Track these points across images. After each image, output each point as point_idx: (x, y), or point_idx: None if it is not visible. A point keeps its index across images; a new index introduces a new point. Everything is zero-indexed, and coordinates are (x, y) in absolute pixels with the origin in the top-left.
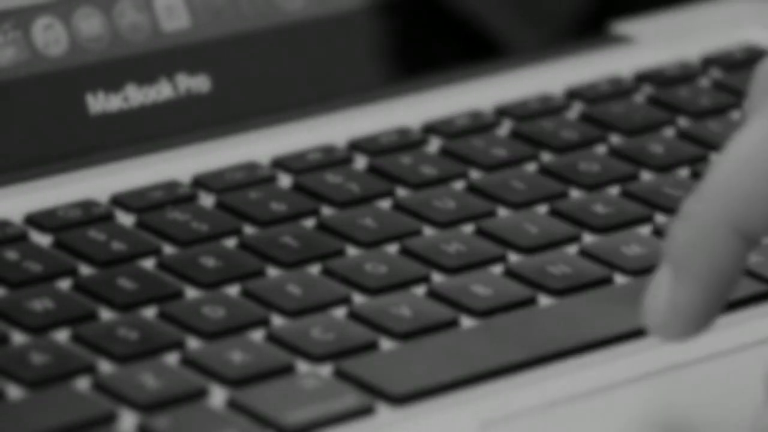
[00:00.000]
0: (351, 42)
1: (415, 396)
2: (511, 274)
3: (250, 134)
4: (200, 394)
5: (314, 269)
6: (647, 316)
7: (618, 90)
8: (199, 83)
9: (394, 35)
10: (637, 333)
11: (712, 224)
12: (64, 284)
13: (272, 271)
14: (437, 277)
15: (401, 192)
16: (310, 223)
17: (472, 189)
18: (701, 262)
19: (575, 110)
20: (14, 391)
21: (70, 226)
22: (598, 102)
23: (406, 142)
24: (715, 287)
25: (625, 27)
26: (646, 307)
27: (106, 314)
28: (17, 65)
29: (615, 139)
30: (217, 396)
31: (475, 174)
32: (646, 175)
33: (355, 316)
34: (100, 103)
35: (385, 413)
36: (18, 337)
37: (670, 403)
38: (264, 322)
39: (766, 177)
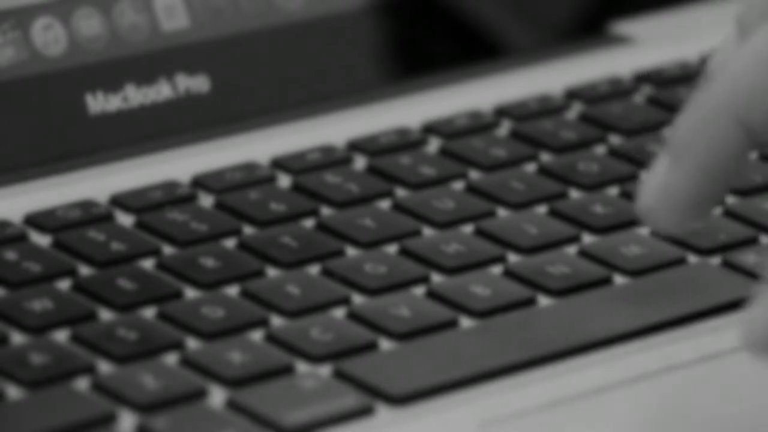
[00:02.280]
0: (351, 42)
1: (414, 396)
2: (510, 274)
3: (250, 134)
4: (199, 394)
5: (313, 269)
6: (640, 200)
7: (617, 90)
8: (198, 83)
9: (393, 35)
10: (636, 333)
11: (715, 113)
12: (64, 284)
13: (272, 272)
14: (437, 278)
15: (400, 192)
16: (309, 223)
17: (472, 189)
18: (699, 147)
19: (574, 110)
20: (14, 392)
21: (69, 226)
22: (598, 102)
23: (406, 142)
24: (710, 175)
25: (625, 27)
26: (640, 192)
27: (105, 314)
28: (17, 65)
29: (614, 139)
30: (217, 396)
31: (474, 174)
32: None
33: (354, 316)
34: (99, 103)
35: (384, 413)
36: (17, 338)
37: (670, 403)
38: (263, 323)
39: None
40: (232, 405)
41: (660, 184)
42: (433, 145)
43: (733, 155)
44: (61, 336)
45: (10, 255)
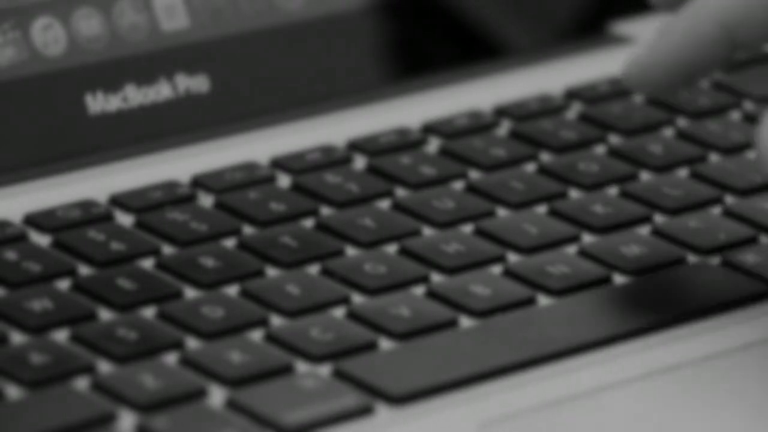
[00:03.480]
0: (351, 42)
1: (414, 396)
2: (510, 274)
3: (250, 134)
4: (199, 394)
5: (313, 269)
6: (624, 67)
7: (617, 90)
8: (198, 83)
9: (393, 35)
10: (636, 333)
11: (701, 16)
12: (64, 284)
13: (271, 271)
14: (436, 278)
15: (400, 192)
16: (309, 223)
17: (472, 189)
18: (679, 39)
19: (574, 110)
20: (14, 391)
21: (69, 226)
22: (598, 102)
23: (406, 142)
24: (682, 64)
25: (625, 27)
26: (628, 57)
27: (105, 314)
28: (16, 65)
29: (614, 139)
30: (216, 396)
31: (474, 174)
32: (645, 175)
33: (354, 316)
34: (99, 103)
35: (384, 413)
36: (17, 337)
37: (670, 403)
38: (263, 322)
39: None
40: (232, 405)
41: (640, 57)
42: (433, 145)
43: (711, 50)
44: (61, 336)
45: (10, 255)
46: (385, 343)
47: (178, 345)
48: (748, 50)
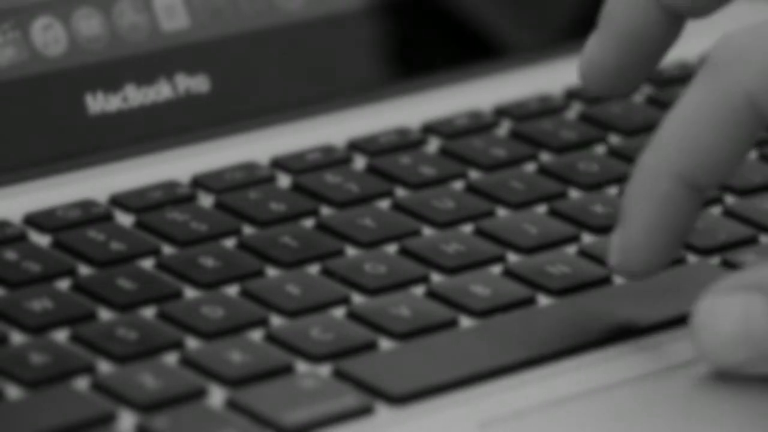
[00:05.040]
0: (351, 42)
1: (414, 396)
2: (510, 274)
3: (250, 134)
4: (199, 394)
5: (313, 269)
6: (608, 255)
7: None
8: (198, 83)
9: (393, 35)
10: (635, 333)
11: (658, 174)
12: (63, 284)
13: (271, 271)
14: (436, 277)
15: (400, 192)
16: (309, 223)
17: (471, 189)
18: (647, 208)
19: (574, 110)
20: (14, 391)
21: (69, 226)
22: (598, 102)
23: (406, 142)
24: (661, 235)
25: None
26: (608, 248)
27: (105, 314)
28: (16, 65)
29: (614, 139)
30: (217, 396)
31: (474, 174)
32: None
33: (354, 316)
34: (99, 103)
35: (384, 413)
36: (17, 337)
37: (671, 403)
38: (263, 322)
39: (712, 130)
40: (232, 405)
41: (617, 246)
42: (433, 145)
43: (680, 212)
44: (61, 336)
45: (10, 255)
46: (385, 343)
47: (178, 345)
48: (714, 189)
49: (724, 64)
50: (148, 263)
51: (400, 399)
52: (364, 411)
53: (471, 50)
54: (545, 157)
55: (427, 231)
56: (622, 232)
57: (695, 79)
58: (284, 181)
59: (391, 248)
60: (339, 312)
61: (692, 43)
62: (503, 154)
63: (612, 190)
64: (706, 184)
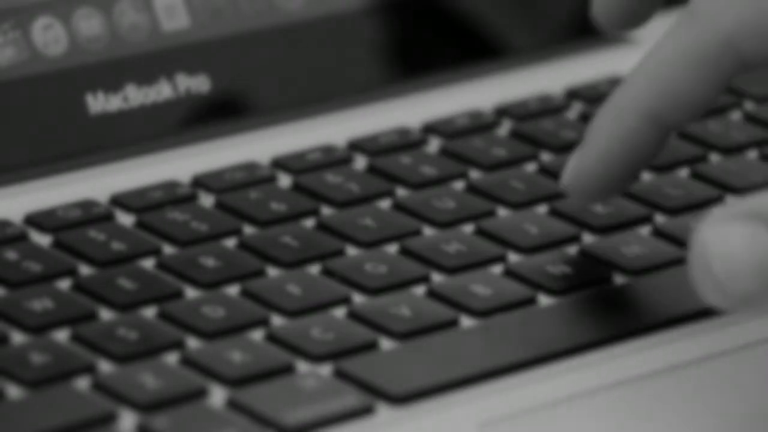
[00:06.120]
0: (351, 42)
1: (414, 396)
2: (510, 274)
3: (250, 134)
4: (200, 393)
5: (314, 269)
6: (562, 175)
7: None
8: (198, 83)
9: (394, 35)
10: (635, 333)
11: (626, 109)
12: (64, 284)
13: (272, 271)
14: (437, 277)
15: (401, 192)
16: (309, 223)
17: (472, 189)
18: (610, 140)
19: (575, 110)
20: (14, 391)
21: (69, 226)
22: (598, 102)
23: (406, 142)
24: (618, 167)
25: None
26: (564, 170)
27: (105, 314)
28: (17, 65)
29: None
30: (217, 396)
31: (474, 174)
32: (646, 175)
33: (354, 316)
34: (100, 103)
35: (384, 413)
36: (18, 337)
37: (672, 402)
38: (264, 322)
39: (687, 72)
40: (233, 404)
41: (574, 168)
42: (434, 144)
43: (642, 144)
44: (62, 336)
45: (11, 255)
46: (386, 343)
47: (178, 345)
48: (680, 128)
49: (705, 7)
50: (148, 263)
51: (400, 399)
52: (364, 411)
53: (471, 50)
54: (546, 156)
55: (428, 231)
56: (580, 156)
57: (675, 20)
58: (284, 181)
59: (392, 248)
60: (340, 312)
61: None
62: (504, 153)
63: None
64: (673, 122)
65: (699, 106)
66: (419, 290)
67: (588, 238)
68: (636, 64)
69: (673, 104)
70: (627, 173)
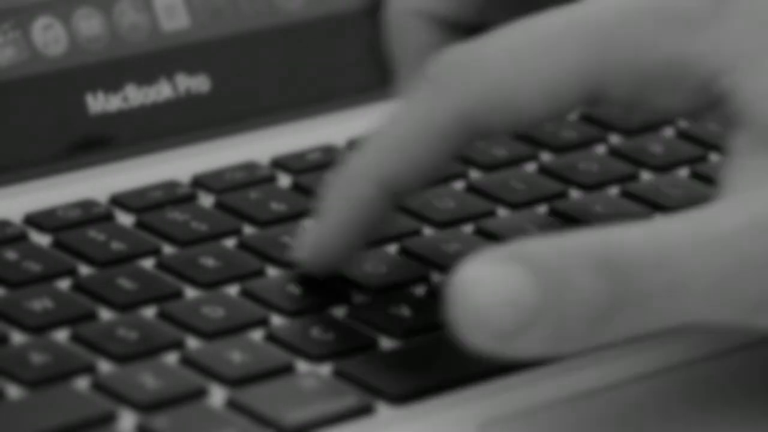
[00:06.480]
0: (351, 42)
1: (414, 396)
2: None
3: (250, 134)
4: (200, 393)
5: None
6: (296, 251)
7: None
8: (198, 83)
9: None
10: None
11: (360, 178)
12: (64, 284)
13: (272, 271)
14: (437, 277)
15: None
16: (309, 223)
17: (472, 189)
18: (345, 209)
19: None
20: (14, 391)
21: (69, 226)
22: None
23: None
24: (353, 235)
25: None
26: (298, 243)
27: (105, 314)
28: (17, 65)
29: (614, 139)
30: (217, 396)
31: (474, 174)
32: (646, 175)
33: (354, 315)
34: (99, 103)
35: (384, 413)
36: (18, 337)
37: (672, 402)
38: (264, 322)
39: (421, 144)
40: (233, 404)
41: (311, 239)
42: None
43: (373, 212)
44: (61, 336)
45: (10, 255)
46: (386, 343)
47: (178, 345)
48: (411, 195)
49: (441, 82)
50: (148, 263)
51: (400, 399)
52: (364, 411)
53: None
54: (546, 156)
55: (428, 231)
56: (318, 230)
57: (413, 92)
58: (284, 181)
59: (392, 248)
60: (340, 311)
61: None
62: (504, 153)
63: (612, 190)
64: (404, 191)
65: (430, 175)
66: (419, 290)
67: None
68: (372, 131)
69: (406, 174)
70: (361, 240)
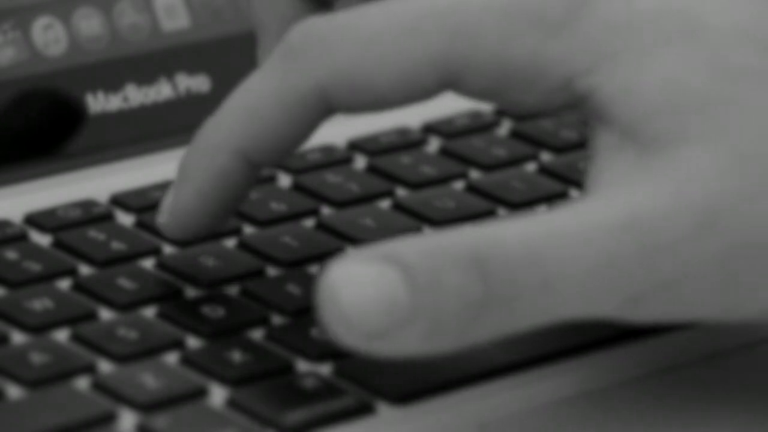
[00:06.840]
0: None
1: (414, 396)
2: None
3: None
4: (200, 393)
5: (314, 269)
6: (157, 216)
7: None
8: (198, 83)
9: None
10: (636, 334)
11: (216, 148)
12: (64, 284)
13: (272, 271)
14: None
15: (401, 192)
16: (309, 222)
17: (472, 189)
18: (202, 177)
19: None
20: (14, 391)
21: (69, 226)
22: None
23: (406, 141)
24: (212, 203)
25: None
26: (160, 208)
27: (105, 314)
28: (17, 65)
29: None
30: (217, 395)
31: (474, 174)
32: None
33: None
34: (99, 103)
35: (384, 413)
36: (18, 337)
37: (672, 402)
38: (264, 322)
39: (278, 114)
40: (233, 404)
41: (169, 206)
42: (434, 144)
43: (231, 180)
44: (62, 335)
45: (10, 255)
46: None
47: (178, 344)
48: (271, 165)
49: (300, 52)
50: (148, 263)
51: (401, 399)
52: (364, 411)
53: None
54: (546, 156)
55: (428, 231)
56: (175, 195)
57: (270, 59)
58: (285, 180)
59: None
60: None
61: None
62: (504, 153)
63: None
64: (262, 161)
65: (290, 145)
66: None
67: None
68: (228, 98)
69: (263, 144)
70: (223, 209)
